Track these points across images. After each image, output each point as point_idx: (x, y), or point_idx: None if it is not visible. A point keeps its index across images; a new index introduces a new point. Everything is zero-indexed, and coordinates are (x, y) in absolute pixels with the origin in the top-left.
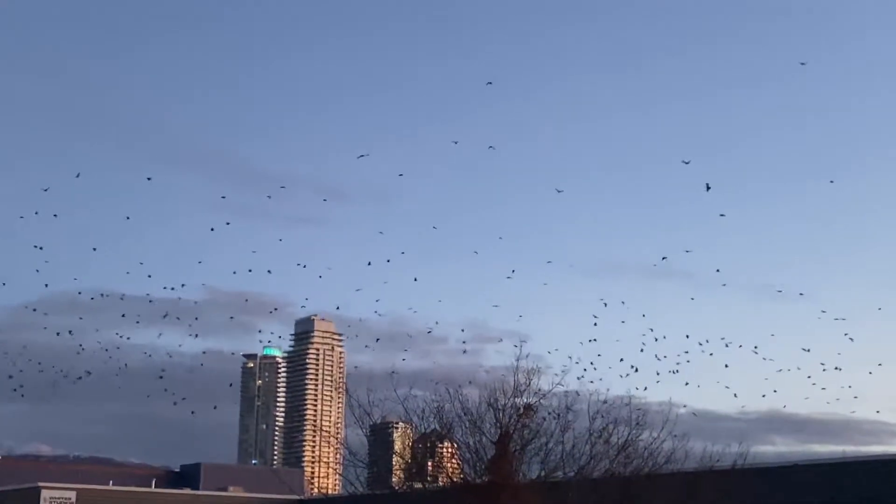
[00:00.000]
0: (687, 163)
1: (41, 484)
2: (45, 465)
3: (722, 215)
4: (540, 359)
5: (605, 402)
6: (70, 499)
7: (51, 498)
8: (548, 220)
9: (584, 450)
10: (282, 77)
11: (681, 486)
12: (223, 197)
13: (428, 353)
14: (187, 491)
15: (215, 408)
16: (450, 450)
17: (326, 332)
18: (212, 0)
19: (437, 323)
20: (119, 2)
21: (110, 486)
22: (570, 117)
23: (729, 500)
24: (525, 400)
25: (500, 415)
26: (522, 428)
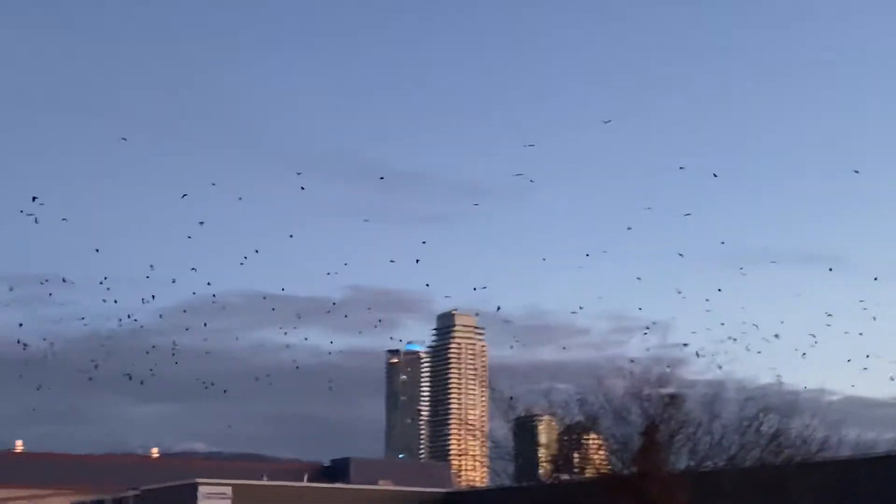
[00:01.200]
0: None
1: (198, 480)
2: (201, 461)
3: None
4: (684, 348)
5: (754, 389)
6: (226, 494)
7: (208, 493)
8: (683, 206)
9: (733, 439)
10: (411, 76)
11: (835, 475)
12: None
13: (569, 345)
14: (338, 485)
15: (369, 407)
16: (596, 441)
17: (467, 325)
18: (333, 3)
19: (581, 308)
20: (244, 8)
21: (264, 481)
22: (694, 109)
23: (887, 488)
24: (671, 389)
25: (646, 405)
26: (669, 418)
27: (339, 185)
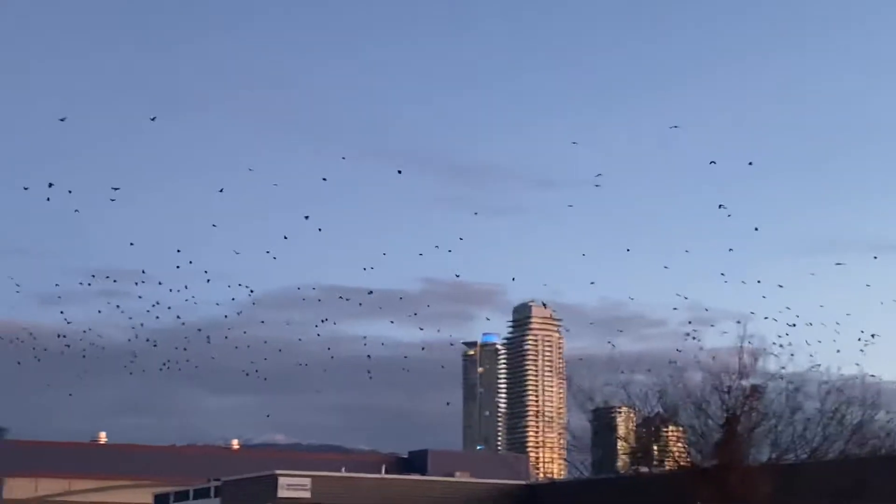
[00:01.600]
0: None
1: (278, 472)
2: (280, 453)
3: None
4: (764, 340)
5: (836, 381)
6: (305, 485)
7: (287, 485)
8: (759, 198)
9: (815, 431)
10: (484, 71)
11: None
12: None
13: (645, 336)
14: (416, 476)
15: (448, 404)
16: (675, 433)
17: (544, 318)
18: (423, 4)
19: (632, 299)
20: (341, 8)
21: (343, 473)
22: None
23: None
24: (751, 381)
25: (726, 397)
26: (750, 410)
27: (416, 178)
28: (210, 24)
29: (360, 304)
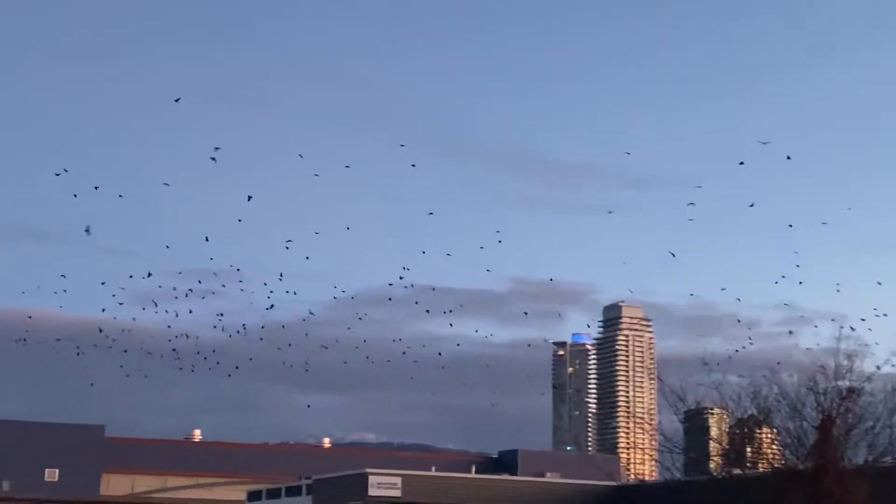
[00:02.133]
0: None
1: (368, 470)
2: (371, 452)
3: None
4: (861, 340)
5: None
6: (395, 484)
7: (378, 483)
8: (853, 196)
9: None
10: (570, 70)
11: None
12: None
13: (738, 336)
14: (506, 477)
15: (543, 394)
16: (769, 435)
17: (634, 317)
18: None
19: (739, 300)
20: (425, 4)
21: (433, 472)
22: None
23: None
24: (848, 383)
25: (822, 399)
26: (846, 412)
27: (504, 176)
28: (312, 37)
29: (451, 303)
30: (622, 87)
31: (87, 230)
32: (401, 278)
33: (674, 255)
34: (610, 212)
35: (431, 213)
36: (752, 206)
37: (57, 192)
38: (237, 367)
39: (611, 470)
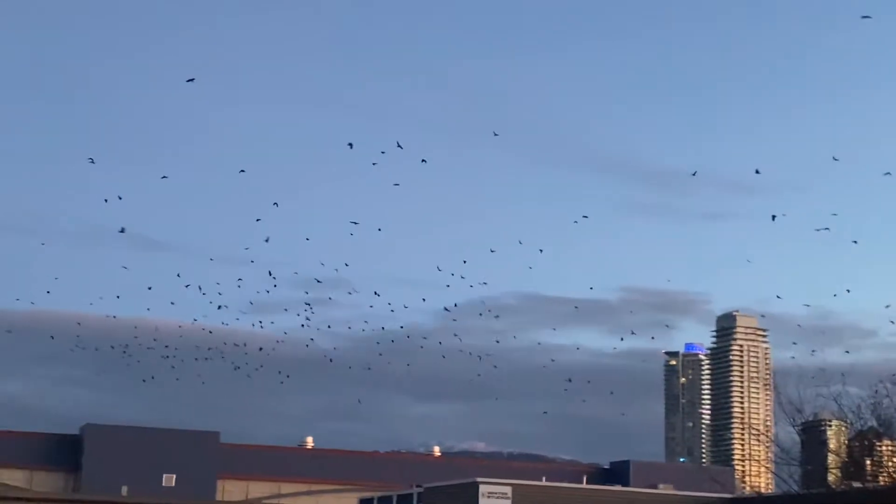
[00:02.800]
0: None
1: (479, 479)
2: (480, 461)
3: None
4: None
5: None
6: (506, 494)
7: (488, 493)
8: None
9: None
10: (681, 75)
11: None
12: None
13: (856, 347)
14: (618, 487)
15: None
16: (890, 447)
17: (749, 327)
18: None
19: (887, 307)
20: (541, 11)
21: (543, 482)
22: None
23: None
24: None
25: None
26: None
27: (614, 184)
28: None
29: (561, 312)
30: (738, 92)
31: (122, 230)
32: (516, 288)
33: (790, 263)
34: (723, 219)
35: (577, 221)
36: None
37: (167, 201)
38: (347, 376)
39: (725, 482)
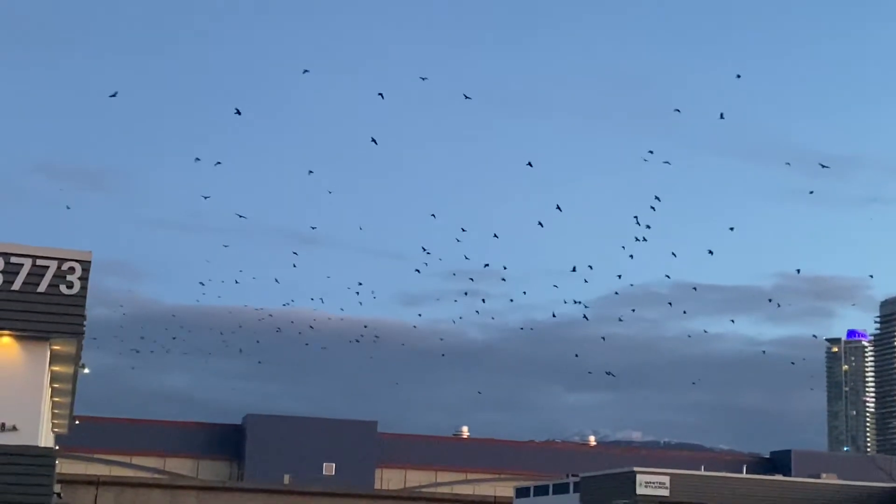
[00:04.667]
0: None
1: (636, 468)
2: (637, 450)
3: None
4: None
5: None
6: (664, 483)
7: (646, 482)
8: None
9: None
10: (834, 62)
11: None
12: (810, 192)
13: None
14: (779, 477)
15: (812, 389)
16: None
17: None
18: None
19: None
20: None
21: (702, 472)
22: None
23: None
24: None
25: None
26: None
27: (769, 169)
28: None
29: (716, 300)
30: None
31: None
32: (668, 276)
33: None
34: (884, 203)
35: (733, 227)
36: None
37: (321, 197)
38: (503, 366)
39: (892, 471)
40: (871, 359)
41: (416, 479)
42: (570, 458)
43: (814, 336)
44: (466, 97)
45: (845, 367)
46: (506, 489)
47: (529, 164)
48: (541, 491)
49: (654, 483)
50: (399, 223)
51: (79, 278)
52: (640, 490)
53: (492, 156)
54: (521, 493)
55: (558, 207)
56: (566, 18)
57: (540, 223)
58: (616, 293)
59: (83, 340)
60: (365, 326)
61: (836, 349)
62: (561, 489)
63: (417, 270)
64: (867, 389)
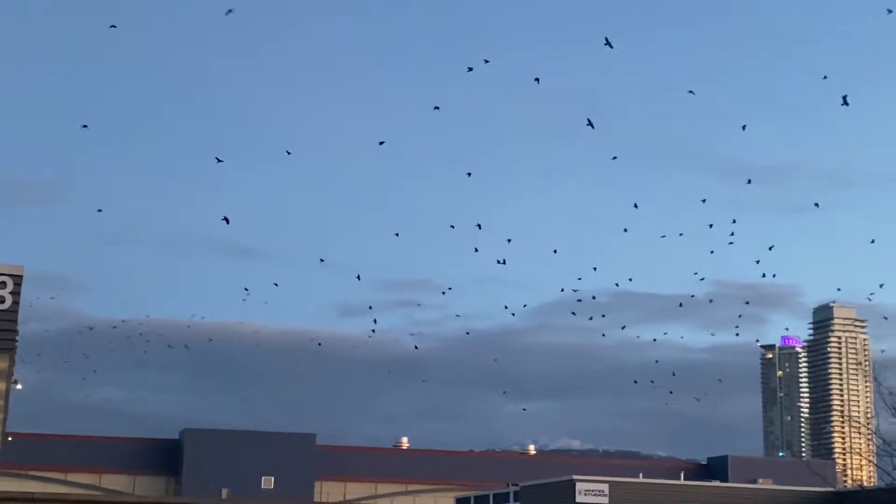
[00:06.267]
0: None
1: (576, 477)
2: (576, 458)
3: None
4: None
5: None
6: (603, 491)
7: (585, 490)
8: None
9: None
10: (778, 69)
11: None
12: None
13: None
14: (717, 483)
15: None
16: None
17: (847, 318)
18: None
19: None
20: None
21: (640, 479)
22: None
23: None
24: None
25: None
26: None
27: (704, 179)
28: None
29: (653, 308)
30: (825, 87)
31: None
32: (616, 285)
33: (879, 251)
34: (816, 204)
35: (604, 220)
36: None
37: (262, 210)
38: (441, 377)
39: (826, 476)
40: (805, 365)
41: (355, 491)
42: (509, 467)
43: (751, 344)
44: (436, 108)
45: (780, 372)
46: (446, 500)
47: (469, 173)
48: (481, 501)
49: (593, 491)
50: (337, 234)
51: (10, 293)
52: (579, 498)
53: (431, 165)
54: (462, 503)
55: (479, 225)
56: (491, 31)
57: (478, 225)
58: (553, 301)
59: (15, 355)
60: (305, 338)
61: (770, 356)
62: (502, 499)
63: (358, 277)
64: (801, 395)
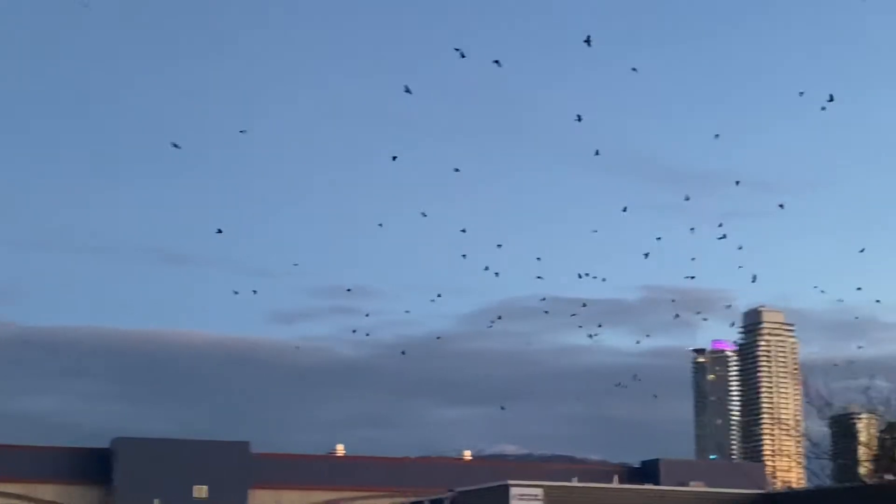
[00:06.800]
0: None
1: (510, 482)
2: (511, 464)
3: None
4: None
5: None
6: (537, 496)
7: (520, 495)
8: None
9: None
10: (706, 77)
11: None
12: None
13: (881, 340)
14: (650, 486)
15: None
16: None
17: (775, 322)
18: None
19: (878, 302)
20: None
21: (575, 483)
22: None
23: None
24: None
25: None
26: None
27: (633, 185)
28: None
29: (584, 314)
30: (752, 94)
31: None
32: (543, 300)
33: (807, 256)
34: (743, 217)
35: (531, 223)
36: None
37: (191, 216)
38: (375, 384)
39: (757, 478)
40: (736, 368)
41: (290, 499)
42: (445, 473)
43: (683, 348)
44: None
45: (711, 376)
46: None
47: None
48: None
49: (527, 496)
50: (269, 240)
51: None
52: (514, 503)
53: (364, 172)
54: None
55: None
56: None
57: (423, 213)
58: (488, 308)
59: None
60: (237, 345)
61: (701, 359)
62: None
63: (288, 275)
64: (731, 398)
